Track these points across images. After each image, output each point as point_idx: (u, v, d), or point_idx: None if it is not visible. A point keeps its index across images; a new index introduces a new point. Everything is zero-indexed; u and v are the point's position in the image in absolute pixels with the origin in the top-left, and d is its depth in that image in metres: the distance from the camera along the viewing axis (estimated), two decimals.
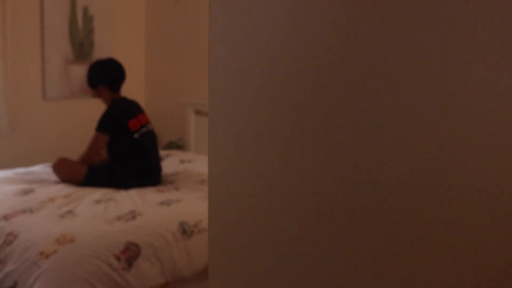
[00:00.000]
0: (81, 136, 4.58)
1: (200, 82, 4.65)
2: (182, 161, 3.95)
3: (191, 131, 4.61)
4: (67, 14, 4.37)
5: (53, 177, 3.39)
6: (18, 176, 3.32)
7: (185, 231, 2.60)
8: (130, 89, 4.64)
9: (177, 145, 4.65)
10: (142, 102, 4.98)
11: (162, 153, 3.96)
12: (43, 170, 3.55)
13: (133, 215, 2.59)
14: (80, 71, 4.50)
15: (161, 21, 4.92)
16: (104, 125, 3.16)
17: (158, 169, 3.34)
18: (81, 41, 4.48)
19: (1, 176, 3.29)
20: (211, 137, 0.80)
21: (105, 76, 3.24)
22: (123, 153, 3.20)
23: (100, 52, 4.62)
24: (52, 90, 4.35)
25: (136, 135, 3.20)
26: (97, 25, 4.58)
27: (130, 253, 2.34)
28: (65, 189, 3.03)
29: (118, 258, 2.30)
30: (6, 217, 2.55)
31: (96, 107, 4.70)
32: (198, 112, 4.63)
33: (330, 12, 0.64)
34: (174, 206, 2.77)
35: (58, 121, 4.44)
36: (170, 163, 3.80)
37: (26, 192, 2.92)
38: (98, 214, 2.58)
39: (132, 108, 3.29)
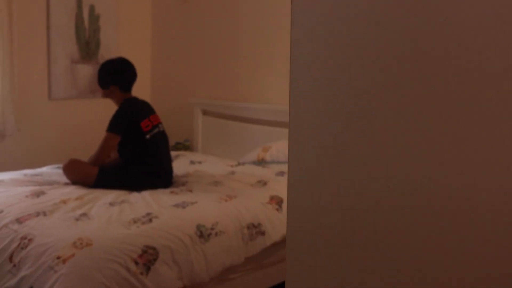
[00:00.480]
0: (87, 136, 4.54)
1: (207, 82, 4.59)
2: (192, 162, 3.90)
3: (199, 132, 4.56)
4: (73, 13, 4.31)
5: (63, 178, 3.33)
6: (27, 178, 3.26)
7: (202, 234, 2.54)
8: (136, 89, 4.58)
9: (184, 146, 4.60)
10: (152, 100, 4.92)
11: (171, 154, 3.90)
12: (51, 171, 3.49)
13: (149, 217, 2.53)
14: (86, 71, 4.44)
15: (168, 19, 4.87)
16: (115, 125, 3.10)
17: (170, 170, 3.28)
18: (87, 40, 4.42)
19: (10, 177, 3.23)
20: (292, 142, 0.75)
21: (117, 76, 3.18)
22: (135, 154, 3.14)
23: (106, 51, 4.56)
24: (58, 90, 4.29)
25: (148, 136, 3.14)
26: (103, 24, 4.52)
27: (148, 257, 2.29)
28: (76, 191, 2.97)
29: (136, 262, 2.25)
30: (19, 220, 2.49)
31: (102, 107, 4.64)
32: (205, 112, 4.58)
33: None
34: (189, 209, 2.72)
35: (63, 121, 4.38)
36: (180, 164, 3.75)
37: (37, 194, 2.86)
38: (114, 217, 2.53)
39: (144, 109, 3.23)
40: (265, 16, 4.16)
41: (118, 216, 2.55)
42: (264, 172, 3.52)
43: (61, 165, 3.63)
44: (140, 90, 4.51)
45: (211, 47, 4.54)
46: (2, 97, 3.87)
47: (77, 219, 2.48)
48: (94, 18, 4.45)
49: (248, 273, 2.82)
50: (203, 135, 4.55)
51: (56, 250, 2.21)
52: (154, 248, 2.32)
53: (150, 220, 2.51)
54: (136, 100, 3.25)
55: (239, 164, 3.87)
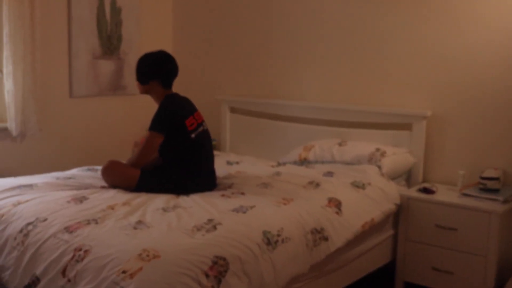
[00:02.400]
0: (110, 136, 4.29)
1: (235, 78, 4.37)
2: (229, 163, 3.67)
3: (227, 130, 4.32)
4: (95, 5, 4.04)
5: (97, 181, 3.08)
6: (60, 181, 3.00)
7: (270, 241, 2.33)
8: None
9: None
10: None
11: None
12: (83, 173, 3.24)
13: (212, 224, 2.30)
14: (107, 67, 4.18)
15: (191, 12, 4.62)
16: (159, 124, 2.86)
17: (214, 171, 3.06)
18: (109, 34, 4.16)
19: (42, 181, 2.97)
20: None
21: (158, 70, 2.94)
22: (179, 155, 2.90)
23: (128, 46, 4.31)
24: (79, 87, 4.03)
25: (193, 135, 2.91)
26: (125, 18, 4.26)
27: (219, 269, 2.06)
28: (120, 195, 2.73)
29: (206, 275, 2.02)
30: (68, 229, 2.25)
31: (124, 105, 4.40)
32: (233, 110, 4.35)
33: None
34: (250, 214, 2.49)
35: (85, 120, 4.12)
36: (216, 165, 3.51)
37: (80, 200, 2.61)
38: (173, 224, 2.29)
39: (187, 106, 3.00)
40: (301, 7, 3.94)
41: (178, 223, 2.32)
42: (310, 172, 3.31)
43: (92, 167, 3.40)
44: None
45: (239, 40, 4.31)
46: (23, 95, 3.59)
47: (135, 228, 2.24)
48: (116, 11, 4.19)
49: (311, 281, 2.61)
50: (231, 133, 4.31)
51: (120, 263, 1.97)
52: (224, 259, 2.10)
53: (215, 227, 2.28)
54: (178, 97, 3.01)
55: (279, 164, 3.65)
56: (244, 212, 2.50)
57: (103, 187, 2.94)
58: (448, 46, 3.39)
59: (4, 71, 3.54)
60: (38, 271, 2.19)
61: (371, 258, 3.14)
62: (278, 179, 3.15)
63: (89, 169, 3.35)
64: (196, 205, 2.58)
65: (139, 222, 2.31)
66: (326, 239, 2.62)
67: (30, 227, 2.36)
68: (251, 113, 4.24)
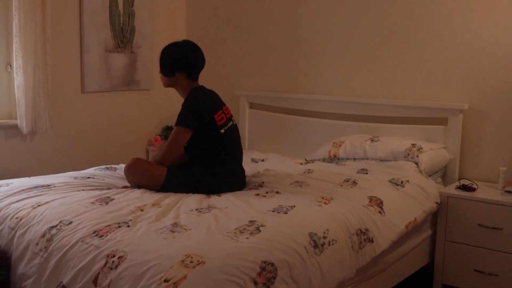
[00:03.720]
0: (123, 133, 4.08)
1: (254, 72, 4.17)
2: (254, 160, 3.48)
3: (246, 126, 4.12)
4: None
5: (118, 181, 2.88)
6: (79, 181, 2.79)
7: (316, 244, 2.13)
8: None
9: None
10: None
11: None
12: (101, 173, 3.03)
13: (255, 226, 2.11)
14: (120, 61, 3.97)
15: (205, 2, 4.41)
16: (186, 119, 2.65)
17: (243, 169, 2.86)
18: (121, 26, 3.95)
19: (60, 181, 2.76)
20: None
21: (184, 61, 2.74)
22: (208, 152, 2.70)
23: (142, 39, 4.10)
24: (91, 82, 3.82)
25: (222, 130, 2.71)
26: (138, 9, 4.05)
27: (267, 275, 1.86)
28: (147, 195, 2.53)
29: (255, 282, 1.82)
30: (98, 233, 2.04)
31: (139, 101, 4.20)
32: (253, 105, 4.15)
33: None
34: (292, 214, 2.30)
35: (98, 117, 3.91)
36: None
37: (105, 201, 2.41)
38: (213, 227, 2.09)
39: (215, 99, 2.80)
40: None
41: (217, 225, 2.12)
42: (343, 170, 3.12)
43: (110, 166, 3.20)
44: None
45: (258, 32, 4.10)
46: (33, 90, 3.37)
47: (172, 231, 2.04)
48: (129, 1, 3.98)
49: (355, 285, 2.42)
50: (250, 130, 4.11)
51: (161, 270, 1.77)
52: (272, 264, 1.90)
53: (258, 229, 2.08)
54: (206, 90, 2.81)
55: (307, 161, 3.46)
56: (286, 213, 2.30)
57: (125, 187, 2.74)
58: (485, 35, 3.20)
59: (14, 64, 3.32)
60: (65, 280, 1.99)
61: (410, 261, 2.95)
62: (311, 177, 2.96)
63: (107, 168, 3.14)
64: (232, 206, 2.38)
65: (175, 224, 2.11)
66: (371, 240, 2.43)
67: (53, 231, 2.16)
68: (271, 109, 4.04)
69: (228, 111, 2.81)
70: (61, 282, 2.00)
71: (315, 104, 3.77)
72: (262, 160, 3.50)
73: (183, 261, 1.80)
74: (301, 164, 3.37)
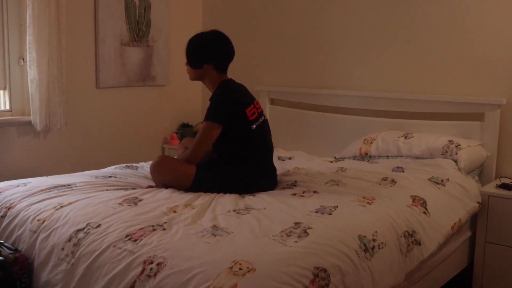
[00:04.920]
0: (139, 130, 3.91)
1: (275, 66, 3.99)
2: (280, 158, 3.31)
3: None
4: None
5: (141, 180, 2.72)
6: (100, 180, 2.62)
7: (367, 247, 1.97)
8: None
9: None
10: (203, 89, 4.32)
11: None
12: (122, 171, 2.86)
13: (302, 229, 1.94)
14: (135, 55, 3.80)
15: None
16: (216, 113, 2.48)
17: (275, 167, 2.69)
18: (137, 19, 3.77)
19: (81, 180, 2.59)
20: None
21: (213, 52, 2.57)
22: (239, 149, 2.53)
23: (157, 32, 3.92)
24: (106, 77, 3.64)
25: (254, 126, 2.54)
26: (154, 1, 3.88)
27: (320, 282, 1.70)
28: (176, 195, 2.36)
29: None
30: (131, 237, 1.87)
31: (155, 97, 4.02)
32: (273, 101, 3.98)
33: None
34: (337, 215, 2.13)
35: (113, 113, 3.73)
36: None
37: (133, 202, 2.24)
38: (256, 229, 1.92)
39: (246, 93, 2.63)
40: None
41: (261, 227, 1.95)
42: (377, 168, 2.96)
43: (130, 164, 3.03)
44: None
45: (280, 25, 3.92)
46: (48, 85, 3.19)
47: (213, 234, 1.87)
48: None
49: None
50: (271, 126, 3.92)
51: (208, 278, 1.60)
52: (325, 270, 1.74)
53: (306, 232, 1.91)
54: (235, 83, 2.64)
55: (337, 159, 3.29)
56: (330, 214, 2.14)
57: (150, 187, 2.57)
58: None
59: (27, 58, 3.14)
60: None
61: (450, 264, 2.79)
62: (346, 175, 2.79)
63: (127, 167, 2.97)
64: (271, 206, 2.21)
65: (215, 227, 1.94)
66: (418, 243, 2.27)
67: (80, 235, 1.98)
68: (294, 105, 3.87)
69: (259, 105, 2.64)
70: None
71: (341, 100, 3.60)
72: (289, 158, 3.33)
73: (231, 268, 1.63)
74: (331, 162, 3.20)
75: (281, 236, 1.87)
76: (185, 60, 2.67)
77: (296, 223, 1.99)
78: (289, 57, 3.93)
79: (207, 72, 2.59)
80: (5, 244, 2.14)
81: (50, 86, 3.20)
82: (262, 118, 2.61)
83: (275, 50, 3.98)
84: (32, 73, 3.14)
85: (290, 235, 1.88)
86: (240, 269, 1.63)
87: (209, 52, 2.57)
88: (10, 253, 2.06)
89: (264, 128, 2.62)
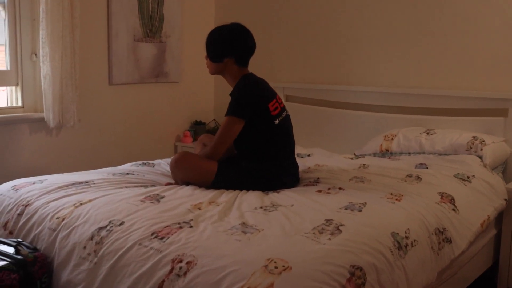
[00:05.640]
0: (151, 127, 3.84)
1: (290, 62, 3.91)
2: (299, 155, 3.22)
3: None
4: None
5: (159, 177, 2.65)
6: (118, 177, 2.55)
7: (400, 245, 1.90)
8: (200, 72, 3.94)
9: None
10: (216, 87, 4.25)
11: None
12: (139, 168, 2.79)
13: (334, 226, 1.87)
14: (148, 51, 3.73)
15: None
16: (238, 108, 2.41)
17: (297, 164, 2.62)
18: (150, 14, 3.71)
19: (99, 177, 2.52)
20: None
21: (234, 45, 2.50)
22: (262, 144, 2.46)
23: (170, 28, 3.86)
24: (119, 73, 3.57)
25: (276, 121, 2.47)
26: None
27: (356, 281, 1.63)
28: (199, 192, 2.29)
29: None
30: (157, 235, 1.80)
31: (168, 94, 3.96)
32: (289, 98, 3.91)
33: None
34: (368, 212, 2.06)
35: (126, 110, 3.66)
36: None
37: (156, 199, 2.16)
38: (287, 227, 1.85)
39: (268, 87, 2.56)
40: None
41: (291, 224, 1.87)
42: (399, 164, 2.88)
43: (147, 161, 2.95)
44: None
45: (295, 20, 3.85)
46: (61, 81, 3.13)
47: (244, 232, 1.79)
48: None
49: None
50: None
51: (242, 277, 1.53)
52: (361, 268, 1.67)
53: (338, 229, 1.84)
54: (257, 77, 2.57)
55: (357, 156, 3.22)
56: (360, 211, 2.07)
57: (169, 184, 2.50)
58: None
59: (40, 52, 3.07)
60: None
61: (477, 263, 2.71)
62: (369, 172, 2.72)
63: (144, 164, 2.90)
64: (298, 203, 2.14)
65: (244, 224, 1.87)
66: (449, 241, 2.20)
67: (103, 233, 1.91)
68: (309, 101, 3.80)
69: (281, 100, 2.57)
70: None
71: (358, 96, 3.54)
72: (308, 155, 3.26)
73: (266, 266, 1.55)
74: (351, 159, 3.13)
75: (313, 233, 1.80)
76: (204, 54, 2.60)
77: (327, 220, 1.92)
78: (304, 53, 3.86)
79: (228, 66, 2.52)
80: (24, 242, 2.07)
81: (63, 82, 3.13)
82: (285, 113, 2.54)
83: (290, 46, 3.91)
84: (45, 68, 3.07)
85: (322, 232, 1.81)
86: (276, 267, 1.55)
87: (230, 45, 2.49)
88: (29, 252, 1.99)
89: (287, 123, 2.55)
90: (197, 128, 4.03)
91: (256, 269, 1.55)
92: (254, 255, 1.61)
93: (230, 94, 2.51)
